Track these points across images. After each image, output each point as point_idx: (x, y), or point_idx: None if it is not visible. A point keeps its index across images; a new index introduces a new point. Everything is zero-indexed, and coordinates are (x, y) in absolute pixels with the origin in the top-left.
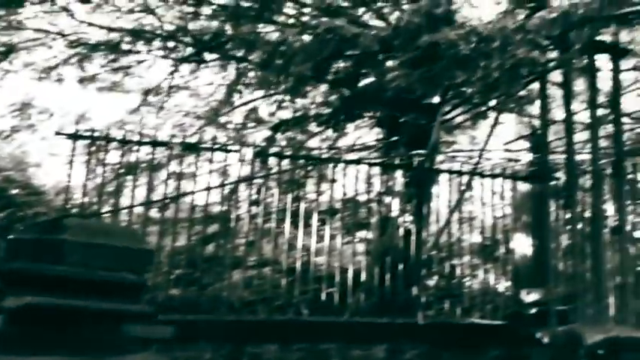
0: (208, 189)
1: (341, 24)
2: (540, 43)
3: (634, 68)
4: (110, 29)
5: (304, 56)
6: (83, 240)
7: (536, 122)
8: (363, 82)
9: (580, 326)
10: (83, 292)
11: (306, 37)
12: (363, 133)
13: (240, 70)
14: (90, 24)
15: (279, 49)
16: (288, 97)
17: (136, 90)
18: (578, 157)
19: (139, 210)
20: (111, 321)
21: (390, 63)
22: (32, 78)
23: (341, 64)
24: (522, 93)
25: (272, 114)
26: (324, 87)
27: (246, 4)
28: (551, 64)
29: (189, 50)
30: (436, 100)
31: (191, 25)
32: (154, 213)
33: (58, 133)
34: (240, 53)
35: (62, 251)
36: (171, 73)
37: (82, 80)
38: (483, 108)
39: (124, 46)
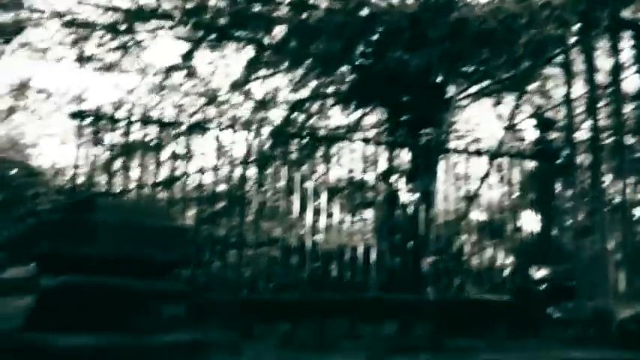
0: (215, 169)
1: None
2: (566, 20)
3: None
4: (107, 9)
5: (332, 34)
6: (116, 220)
7: (542, 101)
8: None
9: (608, 301)
10: (117, 271)
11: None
12: (369, 111)
13: (256, 50)
14: (86, 3)
15: (301, 28)
16: (303, 78)
17: (134, 70)
18: (586, 134)
19: (142, 190)
20: (146, 300)
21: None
22: (29, 58)
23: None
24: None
25: (270, 95)
26: (344, 67)
27: None
28: (574, 40)
29: (189, 28)
30: (446, 80)
31: (189, 5)
32: (159, 193)
33: (69, 114)
34: (256, 34)
35: (95, 231)
36: (188, 54)
37: (79, 60)
38: (494, 87)
39: (122, 26)
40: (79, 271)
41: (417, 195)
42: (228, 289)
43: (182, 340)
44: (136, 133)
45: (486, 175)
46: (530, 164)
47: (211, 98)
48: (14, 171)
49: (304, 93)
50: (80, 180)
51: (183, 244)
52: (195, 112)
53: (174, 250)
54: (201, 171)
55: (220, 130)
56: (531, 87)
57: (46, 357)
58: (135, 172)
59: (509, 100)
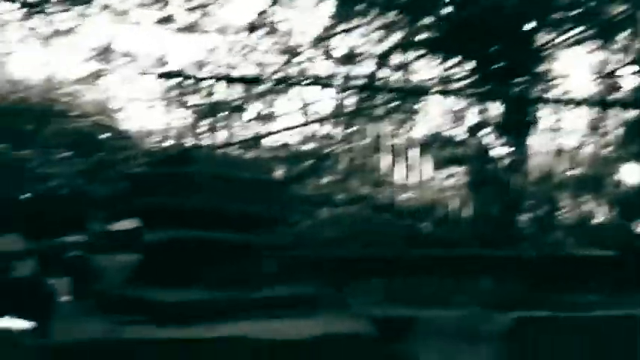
0: (299, 127)
1: None
2: None
3: None
4: None
5: None
6: (212, 172)
7: None
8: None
9: None
10: (219, 225)
11: None
12: (457, 63)
13: (337, 2)
14: None
15: None
16: (386, 30)
17: (214, 29)
18: None
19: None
20: (247, 254)
21: None
22: (110, 21)
23: None
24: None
25: (352, 50)
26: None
27: None
28: None
29: None
30: (538, 27)
31: None
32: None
33: (154, 76)
34: None
35: (193, 184)
36: (266, 10)
37: (159, 21)
38: (589, 33)
39: None
40: (179, 224)
41: (509, 149)
42: (318, 245)
43: (284, 294)
44: (220, 93)
45: (582, 127)
46: (630, 114)
47: (292, 55)
48: (104, 135)
49: (388, 46)
50: (168, 142)
51: (278, 199)
52: (276, 71)
53: (270, 205)
54: (286, 129)
55: (303, 86)
56: (630, 31)
57: (153, 312)
58: (220, 133)
59: (606, 46)
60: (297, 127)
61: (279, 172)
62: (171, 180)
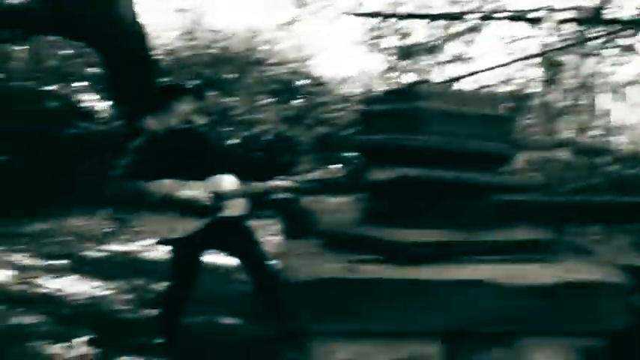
0: (507, 64)
1: None
2: None
3: None
4: None
5: None
6: (441, 108)
7: None
8: None
9: None
10: (445, 163)
11: None
12: None
13: None
14: None
15: None
16: None
17: None
18: None
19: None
20: (479, 193)
21: None
22: None
23: None
24: None
25: None
26: None
27: None
28: None
29: None
30: None
31: None
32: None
33: (350, 17)
34: None
35: (419, 121)
36: None
37: None
38: None
39: None
40: (407, 163)
41: None
42: (545, 188)
43: (519, 238)
44: (414, 35)
45: None
46: None
47: None
48: (301, 82)
49: None
50: (363, 87)
51: (500, 138)
52: (469, 12)
53: (503, 141)
54: (483, 70)
55: (509, 21)
56: None
57: (385, 252)
58: (412, 76)
59: None
60: (505, 64)
61: (499, 110)
62: (393, 118)
